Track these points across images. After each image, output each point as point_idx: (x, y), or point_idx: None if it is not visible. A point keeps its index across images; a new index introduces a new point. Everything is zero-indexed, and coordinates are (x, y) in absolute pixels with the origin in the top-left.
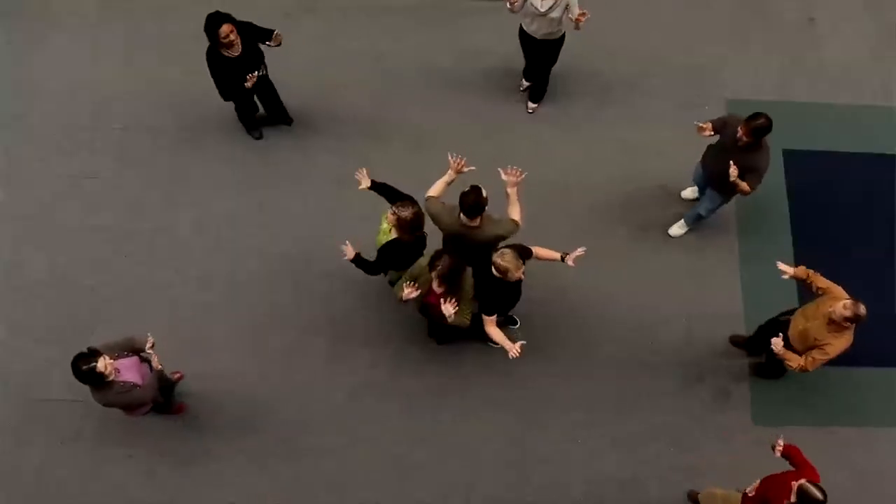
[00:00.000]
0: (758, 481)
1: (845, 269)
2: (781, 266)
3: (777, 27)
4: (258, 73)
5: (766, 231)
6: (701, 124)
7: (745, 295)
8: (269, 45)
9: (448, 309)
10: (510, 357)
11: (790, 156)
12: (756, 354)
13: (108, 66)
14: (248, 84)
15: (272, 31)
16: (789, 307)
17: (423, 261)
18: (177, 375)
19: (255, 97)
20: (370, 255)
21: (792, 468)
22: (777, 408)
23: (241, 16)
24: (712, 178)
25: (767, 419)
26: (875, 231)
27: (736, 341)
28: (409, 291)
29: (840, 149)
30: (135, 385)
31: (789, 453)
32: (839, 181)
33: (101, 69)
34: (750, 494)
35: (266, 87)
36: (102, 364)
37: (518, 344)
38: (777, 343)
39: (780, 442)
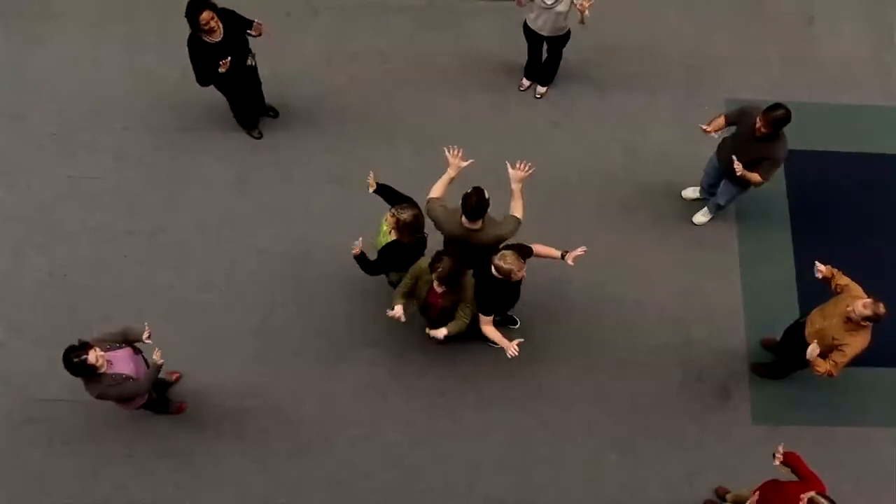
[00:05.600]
0: (756, 493)
1: (845, 270)
2: (818, 265)
3: (776, 27)
4: (248, 62)
5: (766, 231)
6: (706, 127)
7: (745, 295)
8: (251, 35)
9: (438, 334)
10: (508, 356)
11: (790, 156)
12: (778, 355)
13: (108, 66)
14: (222, 69)
15: (253, 21)
16: (789, 307)
17: (424, 262)
18: (175, 376)
19: (241, 89)
20: (370, 256)
21: (794, 477)
22: (777, 408)
23: (242, 13)
24: (729, 169)
25: (767, 419)
26: (875, 231)
27: (767, 344)
28: (396, 312)
29: (840, 149)
30: (127, 377)
31: (791, 462)
32: (839, 181)
33: (101, 69)
34: None
35: (251, 79)
36: (93, 356)
37: (515, 342)
38: (814, 349)
39: (780, 449)
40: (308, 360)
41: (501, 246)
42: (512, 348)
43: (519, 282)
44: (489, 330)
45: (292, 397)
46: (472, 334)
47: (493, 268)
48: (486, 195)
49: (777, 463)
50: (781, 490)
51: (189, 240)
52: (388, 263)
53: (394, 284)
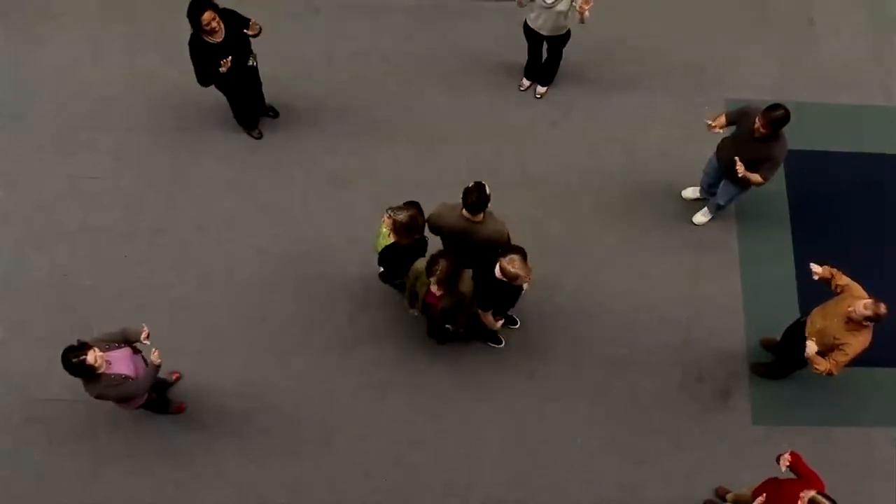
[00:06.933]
0: (763, 495)
1: (845, 270)
2: (813, 266)
3: (777, 27)
4: (249, 62)
5: (766, 231)
6: (710, 122)
7: (744, 295)
8: (246, 33)
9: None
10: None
11: (790, 156)
12: (778, 355)
13: (108, 66)
14: (223, 69)
15: (249, 20)
16: (789, 307)
17: (421, 263)
18: (175, 376)
19: (242, 89)
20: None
21: (794, 476)
22: (777, 408)
23: (242, 13)
24: (728, 169)
25: (767, 419)
26: (874, 231)
27: (767, 344)
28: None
29: (840, 149)
30: (126, 377)
31: (791, 461)
32: (839, 181)
33: (101, 69)
34: None
35: (252, 79)
36: (92, 357)
37: (500, 323)
38: (811, 347)
39: (787, 457)
40: (308, 360)
41: (504, 245)
42: (497, 326)
43: (520, 284)
44: (489, 320)
45: (292, 397)
46: (472, 334)
47: (498, 268)
48: (487, 190)
49: (784, 468)
50: (781, 489)
51: (189, 240)
52: (391, 267)
53: (395, 286)
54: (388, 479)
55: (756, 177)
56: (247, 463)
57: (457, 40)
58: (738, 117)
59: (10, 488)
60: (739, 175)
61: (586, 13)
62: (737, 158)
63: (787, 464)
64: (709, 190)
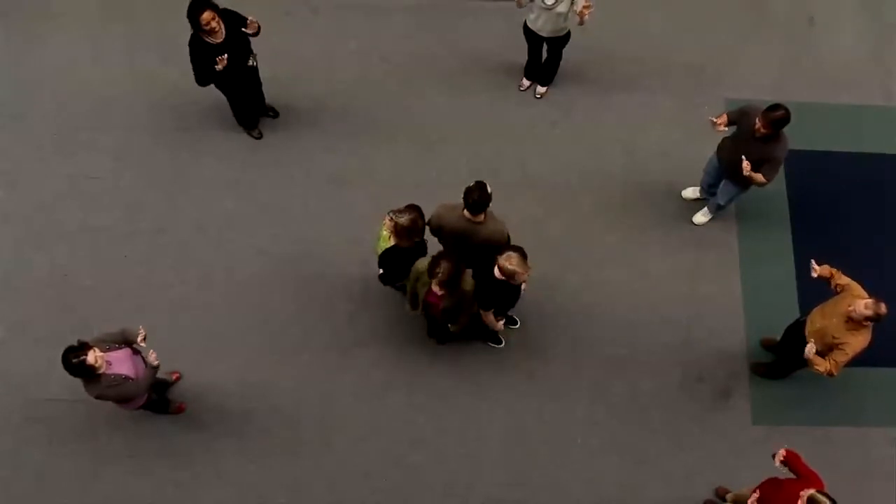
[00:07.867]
0: (757, 492)
1: (845, 269)
2: (813, 264)
3: (776, 27)
4: (249, 62)
5: (766, 231)
6: (715, 119)
7: (744, 295)
8: (244, 32)
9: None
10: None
11: (790, 155)
12: (778, 355)
13: (108, 66)
14: (219, 66)
15: (247, 19)
16: (789, 307)
17: (420, 264)
18: (175, 376)
19: (242, 89)
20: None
21: (793, 476)
22: (776, 408)
23: (241, 13)
24: (729, 169)
25: (767, 419)
26: (875, 231)
27: (767, 344)
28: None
29: (840, 149)
30: (126, 377)
31: (789, 460)
32: (839, 181)
33: (101, 69)
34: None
35: (252, 79)
36: (92, 357)
37: (501, 323)
38: (811, 348)
39: (782, 452)
40: (308, 360)
41: (504, 245)
42: (498, 325)
43: (520, 284)
44: (490, 320)
45: (292, 397)
46: (473, 334)
47: (496, 267)
48: (489, 190)
49: (777, 463)
50: (781, 488)
51: (189, 240)
52: (391, 269)
53: (396, 288)
54: (388, 479)
55: (759, 177)
56: (247, 463)
57: (457, 40)
58: (738, 117)
59: (10, 488)
60: (745, 174)
61: (586, 17)
62: (743, 157)
63: (782, 459)
64: (709, 190)
